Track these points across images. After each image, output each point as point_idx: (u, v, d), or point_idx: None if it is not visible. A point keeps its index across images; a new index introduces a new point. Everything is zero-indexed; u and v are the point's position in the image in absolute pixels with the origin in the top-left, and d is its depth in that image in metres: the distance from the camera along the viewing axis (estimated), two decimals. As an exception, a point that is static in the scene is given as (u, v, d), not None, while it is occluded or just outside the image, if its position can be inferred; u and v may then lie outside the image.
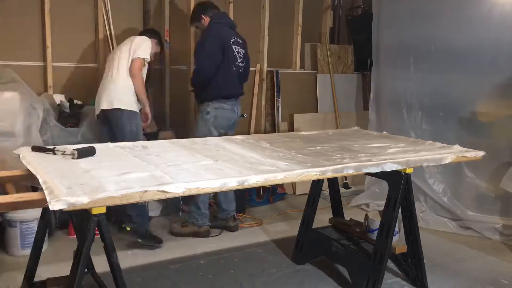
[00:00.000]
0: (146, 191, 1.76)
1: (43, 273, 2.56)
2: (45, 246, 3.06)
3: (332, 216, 3.40)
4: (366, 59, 4.86)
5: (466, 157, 2.73)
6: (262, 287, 2.94)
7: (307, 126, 5.08)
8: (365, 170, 2.38)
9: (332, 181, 3.33)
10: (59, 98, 3.90)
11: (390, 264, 3.04)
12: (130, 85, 3.48)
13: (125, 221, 3.50)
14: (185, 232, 3.68)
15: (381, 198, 2.80)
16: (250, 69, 5.16)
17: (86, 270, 1.96)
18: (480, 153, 2.78)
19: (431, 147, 2.90)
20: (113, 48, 4.35)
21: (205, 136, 3.41)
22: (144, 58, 3.50)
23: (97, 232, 1.82)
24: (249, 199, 4.46)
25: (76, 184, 1.81)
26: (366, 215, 3.07)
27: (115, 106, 3.46)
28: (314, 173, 2.20)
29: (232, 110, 3.74)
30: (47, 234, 3.15)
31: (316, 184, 3.24)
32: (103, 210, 1.80)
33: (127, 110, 3.48)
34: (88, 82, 4.27)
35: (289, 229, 3.88)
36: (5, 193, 2.14)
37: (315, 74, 5.40)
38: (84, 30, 4.22)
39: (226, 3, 4.88)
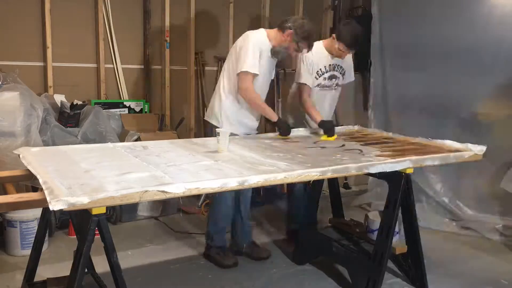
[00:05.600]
0: (146, 191, 1.77)
1: (43, 273, 2.56)
2: (45, 246, 3.06)
3: (332, 216, 3.41)
4: (366, 59, 4.86)
5: (465, 157, 2.72)
6: (262, 287, 2.94)
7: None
8: (365, 171, 2.38)
9: (333, 182, 3.33)
10: (59, 98, 3.90)
11: (390, 264, 3.04)
12: None
13: None
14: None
15: (383, 198, 2.80)
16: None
17: (86, 270, 1.96)
18: (482, 148, 2.76)
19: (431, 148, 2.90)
20: (113, 48, 4.36)
21: None
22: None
23: (97, 232, 1.82)
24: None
25: (76, 184, 1.81)
26: (366, 215, 3.07)
27: None
28: (314, 173, 2.19)
29: None
30: (47, 234, 3.15)
31: (316, 185, 3.24)
32: (103, 210, 1.80)
33: None
34: (88, 82, 4.28)
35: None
36: (5, 193, 2.14)
37: (315, 74, 5.40)
38: (84, 30, 4.22)
39: (226, 3, 4.89)
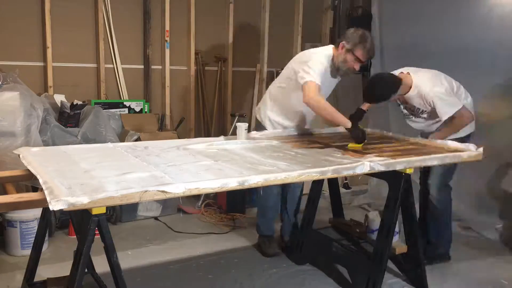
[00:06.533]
0: (146, 191, 1.76)
1: (43, 273, 2.56)
2: (45, 246, 3.06)
3: (332, 216, 3.40)
4: (366, 59, 4.87)
5: (464, 157, 2.72)
6: (262, 287, 2.94)
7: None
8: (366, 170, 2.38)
9: (332, 181, 3.33)
10: (59, 98, 3.90)
11: (390, 264, 3.04)
12: None
13: None
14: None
15: (383, 198, 2.80)
16: (250, 69, 5.20)
17: (86, 270, 1.96)
18: (480, 149, 2.76)
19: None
20: (113, 48, 4.35)
21: None
22: None
23: (97, 232, 1.82)
24: (249, 199, 4.45)
25: (76, 184, 1.81)
26: (366, 216, 3.07)
27: None
28: (314, 173, 2.19)
29: None
30: (47, 234, 3.15)
31: (316, 184, 3.24)
32: (103, 210, 1.80)
33: None
34: (88, 82, 4.28)
35: (289, 229, 3.88)
36: (5, 193, 2.14)
37: (315, 74, 5.40)
38: (84, 30, 4.22)
39: (226, 3, 4.89)
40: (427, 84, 3.05)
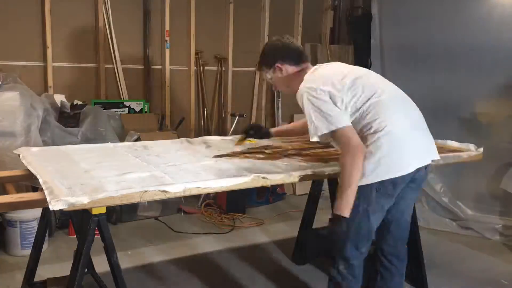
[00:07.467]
0: (146, 191, 1.77)
1: (43, 273, 2.57)
2: (45, 246, 3.06)
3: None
4: (366, 60, 4.87)
5: (464, 157, 2.72)
6: (262, 287, 2.94)
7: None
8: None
9: (333, 182, 3.32)
10: (59, 98, 3.89)
11: (390, 264, 3.04)
12: None
13: None
14: None
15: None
16: (250, 69, 5.20)
17: (86, 270, 1.96)
18: (480, 149, 2.76)
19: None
20: (113, 48, 4.35)
21: None
22: None
23: (97, 232, 1.82)
24: (249, 199, 4.45)
25: (76, 184, 1.82)
26: (366, 215, 3.07)
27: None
28: (313, 173, 2.19)
29: None
30: (47, 234, 3.15)
31: (316, 184, 3.24)
32: (103, 210, 1.80)
33: None
34: (88, 82, 4.28)
35: (289, 229, 3.88)
36: (5, 193, 2.14)
37: (315, 74, 5.40)
38: (84, 30, 4.22)
39: (226, 3, 4.89)
40: (308, 79, 2.12)
